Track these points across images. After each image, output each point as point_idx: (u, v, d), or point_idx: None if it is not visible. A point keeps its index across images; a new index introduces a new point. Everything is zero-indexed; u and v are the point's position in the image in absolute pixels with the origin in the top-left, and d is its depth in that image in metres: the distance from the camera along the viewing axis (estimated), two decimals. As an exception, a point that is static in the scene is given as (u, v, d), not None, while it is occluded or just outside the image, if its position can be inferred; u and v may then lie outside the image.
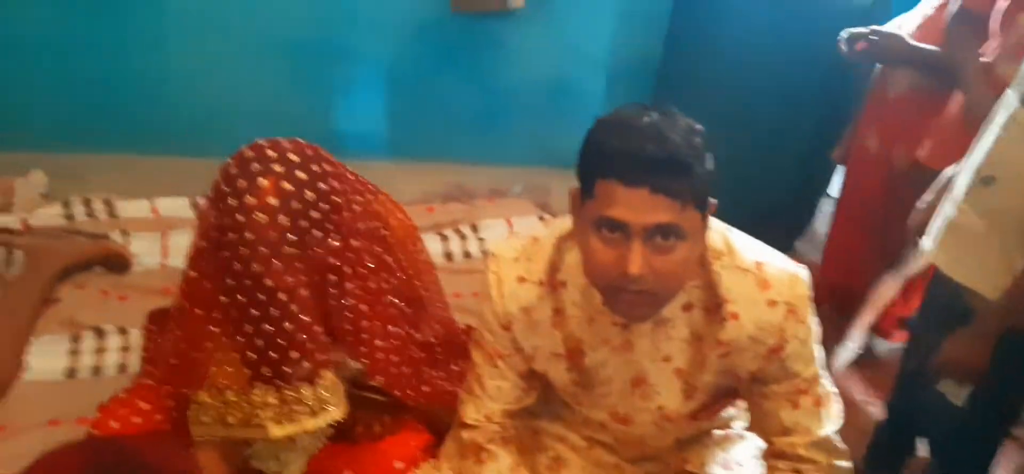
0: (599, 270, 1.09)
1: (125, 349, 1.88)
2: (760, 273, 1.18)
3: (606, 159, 1.04)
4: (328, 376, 1.28)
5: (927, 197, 1.75)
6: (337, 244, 1.24)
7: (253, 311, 1.19)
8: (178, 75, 2.72)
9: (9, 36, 2.49)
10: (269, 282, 1.16)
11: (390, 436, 1.47)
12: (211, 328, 1.25)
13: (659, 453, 1.40)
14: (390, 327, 1.41)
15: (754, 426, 1.32)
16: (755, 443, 1.40)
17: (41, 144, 2.59)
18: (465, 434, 1.35)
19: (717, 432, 1.43)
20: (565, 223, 1.24)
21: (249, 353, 1.23)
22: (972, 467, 1.71)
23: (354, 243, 1.28)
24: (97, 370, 1.84)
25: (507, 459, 1.32)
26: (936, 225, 1.64)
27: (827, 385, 1.27)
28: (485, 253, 2.58)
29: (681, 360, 1.23)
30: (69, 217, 2.32)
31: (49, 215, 2.31)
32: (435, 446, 1.48)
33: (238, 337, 1.23)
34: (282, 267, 1.16)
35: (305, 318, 1.21)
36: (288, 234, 1.15)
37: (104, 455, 1.33)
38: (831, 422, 1.26)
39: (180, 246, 2.27)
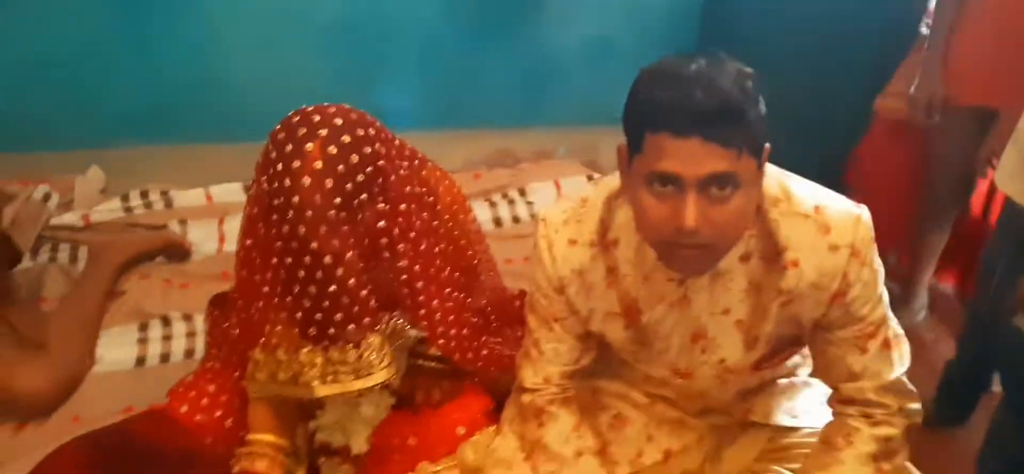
0: (653, 226, 1.07)
1: (191, 335, 1.94)
2: (820, 217, 1.14)
3: (654, 111, 1.01)
4: (374, 340, 1.30)
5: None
6: (385, 207, 1.25)
7: (300, 273, 1.21)
8: (225, 63, 2.75)
9: (61, 39, 2.55)
10: (315, 245, 1.18)
11: (450, 402, 1.49)
12: (263, 289, 1.28)
13: (722, 405, 1.38)
14: (446, 290, 1.41)
15: (819, 373, 1.29)
16: (821, 390, 1.38)
17: (97, 141, 2.65)
18: (525, 398, 1.35)
19: (781, 381, 1.41)
20: (614, 181, 1.22)
21: (297, 314, 1.26)
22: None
23: (402, 207, 1.29)
24: (165, 357, 1.90)
25: (569, 419, 1.32)
26: (1009, 157, 1.58)
27: (895, 326, 1.23)
28: (534, 217, 2.57)
29: (741, 312, 1.21)
30: (128, 210, 2.38)
31: (109, 210, 2.38)
32: (496, 411, 1.49)
33: (287, 299, 1.25)
34: (328, 231, 1.17)
35: (351, 282, 1.22)
36: (335, 198, 1.16)
37: (107, 442, 1.37)
38: (901, 364, 1.22)
39: (235, 231, 2.29)
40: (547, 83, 3.14)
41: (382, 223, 1.26)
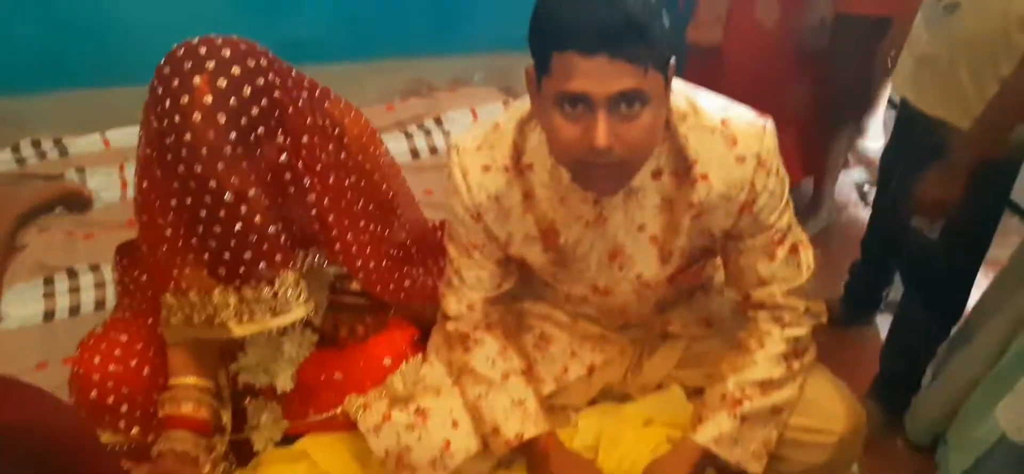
0: (565, 147, 1.07)
1: (100, 285, 1.88)
2: (727, 130, 1.16)
3: (559, 30, 1.00)
4: (289, 277, 1.27)
5: None
6: (285, 141, 1.21)
7: (202, 213, 1.17)
8: (117, 1, 2.60)
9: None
10: (213, 184, 1.14)
11: (375, 335, 1.48)
12: (166, 232, 1.23)
13: (641, 319, 1.42)
14: (361, 223, 1.39)
15: (730, 281, 1.33)
16: (733, 298, 1.43)
17: (-20, 91, 2.49)
18: (450, 325, 1.36)
19: (697, 292, 1.45)
20: (525, 105, 1.22)
21: (204, 255, 1.22)
22: (949, 297, 1.76)
23: (304, 140, 1.25)
24: (75, 310, 1.85)
25: (494, 343, 1.34)
26: (904, 61, 1.63)
27: (800, 233, 1.28)
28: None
29: (655, 227, 1.23)
30: (20, 161, 2.27)
31: (-1, 163, 2.25)
32: (421, 340, 1.50)
33: (192, 240, 1.22)
34: (226, 167, 1.13)
35: (256, 219, 1.19)
36: (229, 133, 1.12)
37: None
38: (807, 268, 1.27)
39: (138, 177, 2.24)
40: (460, 7, 3.08)
41: (283, 157, 1.22)
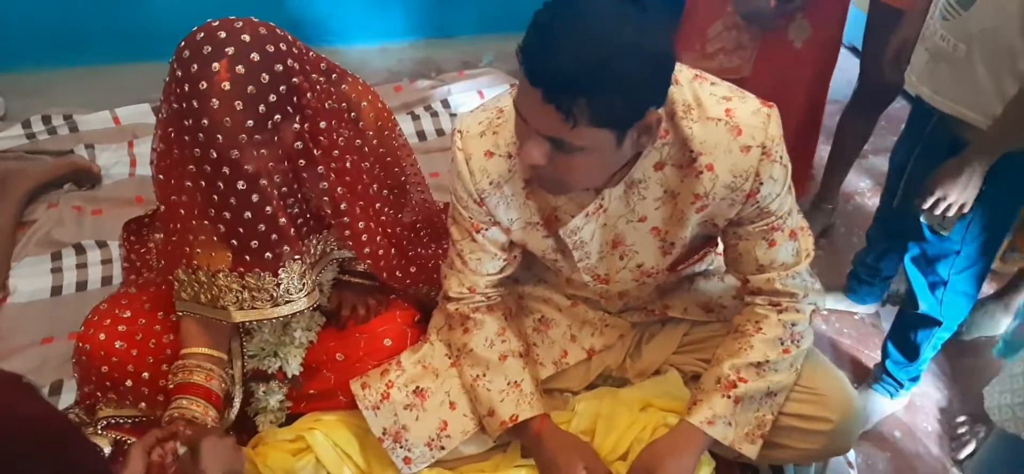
0: (516, 142, 1.10)
1: (107, 262, 1.89)
2: (731, 120, 1.15)
3: (524, 43, 0.98)
4: (296, 267, 1.28)
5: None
6: (303, 126, 1.21)
7: (214, 197, 1.18)
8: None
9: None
10: (227, 170, 1.14)
11: (376, 317, 1.49)
12: (180, 211, 1.24)
13: (641, 302, 1.43)
14: (374, 207, 1.39)
15: (729, 266, 1.33)
16: (733, 282, 1.43)
17: (-7, 66, 2.51)
18: (451, 307, 1.37)
19: (697, 277, 1.46)
20: None
21: (214, 237, 1.23)
22: (958, 295, 1.72)
23: (322, 124, 1.25)
24: (82, 285, 1.86)
25: (494, 324, 1.35)
26: (918, 56, 1.61)
27: (800, 219, 1.27)
28: (457, 129, 2.56)
29: (656, 219, 1.23)
30: (31, 137, 2.27)
31: (10, 137, 2.26)
32: (422, 322, 1.51)
33: (204, 221, 1.22)
34: (241, 154, 1.13)
35: (268, 209, 1.19)
36: (246, 120, 1.12)
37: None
38: (806, 255, 1.27)
39: (147, 154, 2.23)
40: (468, -11, 3.08)
41: (299, 144, 1.22)
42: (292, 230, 1.25)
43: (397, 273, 1.45)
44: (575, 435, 1.36)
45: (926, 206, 1.54)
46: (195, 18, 1.22)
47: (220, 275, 1.25)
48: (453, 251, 1.35)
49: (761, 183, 1.17)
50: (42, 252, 1.91)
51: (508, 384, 1.31)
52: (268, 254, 1.24)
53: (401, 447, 1.35)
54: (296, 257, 1.28)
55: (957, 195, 1.48)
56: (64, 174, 2.11)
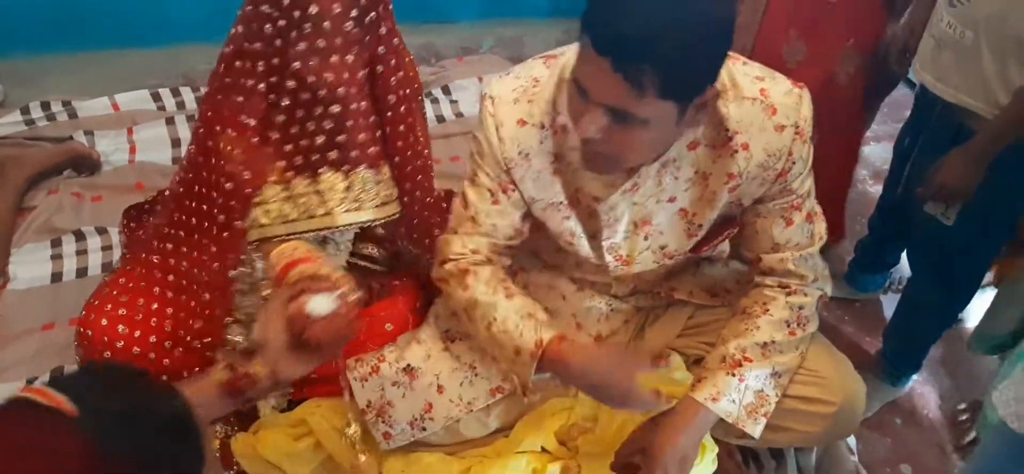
0: (570, 118, 1.08)
1: (107, 248, 1.89)
2: (766, 100, 1.15)
3: (589, 12, 0.98)
4: (385, 169, 1.33)
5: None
6: (385, 33, 1.26)
7: (299, 112, 1.23)
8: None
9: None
10: (326, 70, 1.19)
11: (379, 301, 1.49)
12: (251, 134, 1.25)
13: (649, 285, 1.42)
14: (414, 150, 1.40)
15: (744, 245, 1.32)
16: (738, 267, 1.43)
17: (-9, 53, 2.50)
18: (449, 266, 1.30)
19: (703, 260, 1.44)
20: (563, 61, 1.19)
21: (296, 151, 1.26)
22: (961, 283, 1.73)
23: (396, 42, 1.30)
24: (82, 272, 1.85)
25: (492, 271, 1.28)
26: (925, 43, 1.60)
27: (815, 203, 1.27)
28: (459, 116, 2.55)
29: (685, 200, 1.23)
30: (29, 123, 2.26)
31: (9, 124, 2.25)
32: (423, 309, 1.50)
33: (286, 142, 1.26)
34: (341, 51, 1.19)
35: (363, 104, 1.25)
36: (351, 9, 1.17)
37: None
38: (819, 237, 1.27)
39: (146, 140, 2.24)
40: (468, -24, 3.07)
41: (381, 49, 1.25)
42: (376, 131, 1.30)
43: (426, 241, 1.47)
44: (595, 345, 1.36)
45: (929, 195, 1.54)
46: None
47: (323, 178, 1.28)
48: (465, 214, 1.29)
49: (793, 163, 1.17)
50: (42, 239, 1.91)
51: (522, 317, 1.24)
52: (356, 151, 1.28)
53: (383, 423, 1.35)
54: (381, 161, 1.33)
55: (960, 185, 1.48)
56: (63, 161, 2.10)
